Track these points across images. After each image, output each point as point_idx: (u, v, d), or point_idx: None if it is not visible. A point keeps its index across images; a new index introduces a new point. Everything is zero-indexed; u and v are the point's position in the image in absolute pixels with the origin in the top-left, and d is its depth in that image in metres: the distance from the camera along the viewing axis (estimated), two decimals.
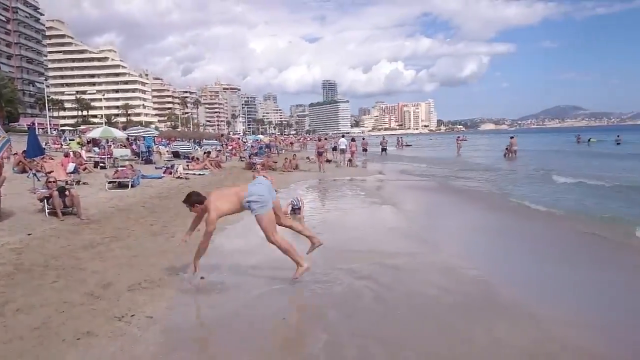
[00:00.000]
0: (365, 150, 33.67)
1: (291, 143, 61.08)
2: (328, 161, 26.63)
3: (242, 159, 28.37)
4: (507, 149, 31.72)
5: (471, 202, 12.49)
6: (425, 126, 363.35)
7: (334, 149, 28.39)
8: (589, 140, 50.67)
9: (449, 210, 11.36)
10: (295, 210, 9.60)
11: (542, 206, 10.73)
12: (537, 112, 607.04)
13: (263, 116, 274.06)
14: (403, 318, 4.35)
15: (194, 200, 5.35)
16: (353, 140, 28.19)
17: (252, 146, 38.52)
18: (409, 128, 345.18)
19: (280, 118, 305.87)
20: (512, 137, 33.08)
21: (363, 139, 39.24)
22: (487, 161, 28.56)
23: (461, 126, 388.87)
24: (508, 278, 5.69)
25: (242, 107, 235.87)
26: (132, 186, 13.58)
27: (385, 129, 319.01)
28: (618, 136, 48.64)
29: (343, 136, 30.75)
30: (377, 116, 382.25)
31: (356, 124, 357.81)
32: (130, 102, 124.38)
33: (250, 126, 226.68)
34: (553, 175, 17.46)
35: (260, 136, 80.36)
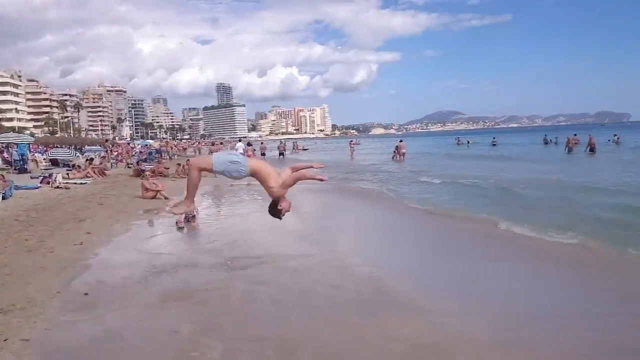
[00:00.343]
0: (263, 154, 33.67)
1: (184, 148, 59.01)
2: None
3: (130, 166, 26.83)
4: (395, 151, 33.62)
5: (363, 202, 13.09)
6: (321, 130, 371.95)
7: None
8: (468, 142, 55.47)
9: (343, 211, 11.79)
10: (189, 218, 9.32)
11: (420, 204, 11.61)
12: (421, 117, 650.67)
13: (153, 120, 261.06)
14: (299, 319, 4.44)
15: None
16: (249, 144, 28.04)
17: (140, 152, 36.52)
18: (305, 132, 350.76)
19: (172, 122, 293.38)
20: (400, 141, 35.07)
21: (262, 143, 39.20)
22: (378, 163, 30.01)
23: (354, 130, 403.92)
24: (397, 273, 6.05)
25: (129, 111, 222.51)
26: (3, 198, 12.22)
27: (283, 133, 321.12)
28: (494, 138, 54.24)
29: (240, 140, 30.45)
30: (274, 120, 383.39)
31: (253, 128, 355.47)
32: (1, 106, 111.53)
33: (139, 131, 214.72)
34: (433, 176, 18.88)
35: (150, 141, 76.59)
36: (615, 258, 6.47)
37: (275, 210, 4.59)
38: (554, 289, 5.41)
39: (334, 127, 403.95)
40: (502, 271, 6.15)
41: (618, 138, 40.50)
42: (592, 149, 29.81)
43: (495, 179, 17.00)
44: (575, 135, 34.57)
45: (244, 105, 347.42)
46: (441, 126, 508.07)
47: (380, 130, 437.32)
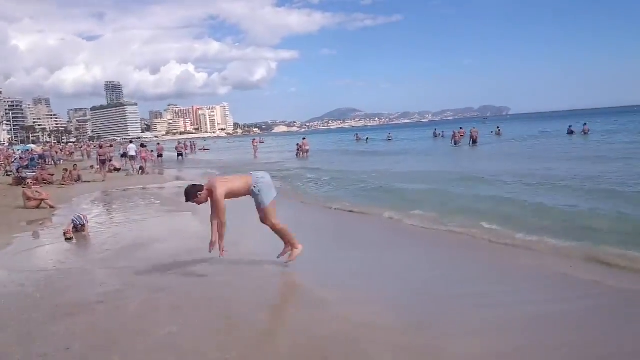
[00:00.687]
0: (160, 156, 32.19)
1: (70, 152, 54.55)
2: (117, 170, 24.66)
3: (9, 174, 24.26)
4: (299, 149, 34.03)
5: None
6: (223, 129, 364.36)
7: (123, 155, 26.40)
8: (366, 138, 57.93)
9: (246, 210, 11.65)
10: (78, 228, 8.63)
11: (323, 198, 11.90)
12: (322, 115, 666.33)
13: (34, 123, 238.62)
14: (201, 324, 4.29)
15: (194, 190, 5.40)
16: (143, 145, 26.66)
17: (21, 158, 33.06)
18: (206, 132, 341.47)
19: (57, 124, 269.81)
20: (303, 139, 35.73)
21: (158, 144, 37.44)
22: (282, 161, 30.12)
23: (257, 129, 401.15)
24: (299, 267, 6.08)
25: (7, 113, 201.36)
26: None
27: (181, 133, 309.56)
28: (389, 133, 57.45)
29: (132, 142, 28.77)
30: (171, 120, 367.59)
31: (148, 128, 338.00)
32: None
33: (18, 135, 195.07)
34: (332, 171, 19.46)
35: (32, 146, 69.99)
36: (491, 243, 7.06)
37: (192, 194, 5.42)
38: (447, 273, 5.81)
39: (236, 125, 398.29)
40: (396, 259, 6.46)
41: (500, 130, 44.53)
42: (474, 141, 32.48)
43: (390, 173, 17.94)
44: (461, 128, 37.46)
45: (136, 104, 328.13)
46: (341, 123, 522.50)
47: (283, 128, 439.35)
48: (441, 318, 4.33)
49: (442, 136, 46.97)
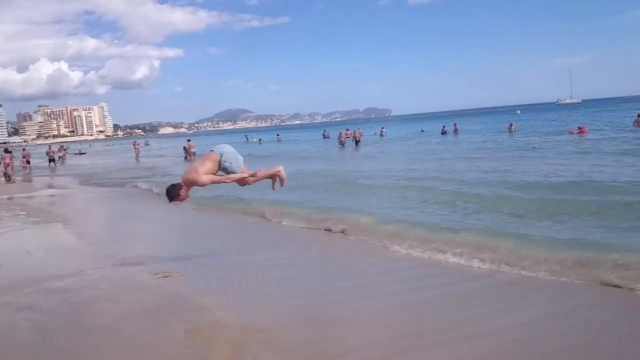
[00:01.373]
0: (28, 162, 29.15)
1: None
2: None
3: None
4: (186, 151, 32.91)
5: (144, 204, 12.53)
6: (101, 131, 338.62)
7: None
8: (259, 140, 57.90)
9: (122, 217, 11.08)
10: None
11: (205, 204, 11.70)
12: (212, 116, 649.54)
13: None
14: (67, 343, 4.00)
15: (176, 190, 5.45)
16: (8, 151, 23.93)
17: None
18: (82, 134, 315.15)
19: None
20: (189, 140, 34.44)
21: (24, 149, 33.76)
22: (165, 164, 28.91)
23: (140, 130, 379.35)
24: (178, 275, 5.92)
25: None
26: None
27: (54, 136, 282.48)
28: (278, 135, 58.12)
29: None
30: (42, 122, 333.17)
31: (15, 131, 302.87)
32: None
33: None
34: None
35: None
36: (361, 242, 7.46)
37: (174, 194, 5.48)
38: (323, 269, 6.08)
39: (116, 127, 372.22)
40: (274, 260, 6.56)
41: (384, 130, 46.90)
42: (357, 142, 33.86)
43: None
44: (347, 130, 38.95)
45: (0, 106, 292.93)
46: (232, 124, 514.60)
47: (170, 130, 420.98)
48: (322, 313, 4.51)
49: (329, 137, 48.44)
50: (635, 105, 72.59)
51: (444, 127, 41.61)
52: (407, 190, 11.90)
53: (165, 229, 9.66)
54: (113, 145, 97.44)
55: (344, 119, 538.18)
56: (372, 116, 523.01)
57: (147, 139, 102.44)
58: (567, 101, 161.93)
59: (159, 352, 3.76)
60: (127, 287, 5.42)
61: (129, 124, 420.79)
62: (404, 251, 6.56)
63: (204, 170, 5.38)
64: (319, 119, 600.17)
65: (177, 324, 4.28)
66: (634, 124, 29.99)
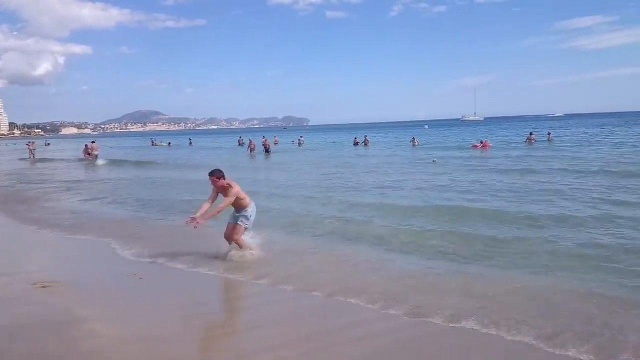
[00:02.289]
0: None
1: None
2: None
3: None
4: (88, 153, 31.46)
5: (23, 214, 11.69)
6: None
7: None
8: (168, 143, 55.87)
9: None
10: None
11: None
12: (120, 117, 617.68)
13: None
14: None
15: (220, 173, 6.38)
16: None
17: None
18: None
19: None
20: (93, 142, 33.25)
21: None
22: (67, 168, 27.04)
23: (39, 130, 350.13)
24: (62, 282, 5.65)
25: None
26: None
27: None
28: (190, 139, 57.04)
29: None
30: None
31: None
32: None
33: None
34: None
35: None
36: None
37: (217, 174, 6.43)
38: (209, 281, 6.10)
39: (13, 125, 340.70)
40: (161, 269, 6.45)
41: (302, 139, 47.22)
42: (267, 150, 33.85)
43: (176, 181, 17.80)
44: (264, 137, 38.87)
45: None
46: (142, 126, 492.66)
47: (73, 130, 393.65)
48: (202, 324, 4.54)
49: (243, 144, 48.01)
50: (529, 124, 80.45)
51: (355, 138, 42.94)
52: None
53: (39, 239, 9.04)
54: (7, 145, 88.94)
55: (262, 126, 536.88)
56: (291, 124, 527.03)
57: (47, 140, 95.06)
58: (471, 118, 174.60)
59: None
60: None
61: (28, 122, 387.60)
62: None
63: (242, 196, 6.41)
64: (236, 125, 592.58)
65: (51, 336, 4.10)
66: (525, 141, 33.54)
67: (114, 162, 29.78)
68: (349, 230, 8.39)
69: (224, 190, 6.35)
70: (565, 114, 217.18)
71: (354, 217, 9.49)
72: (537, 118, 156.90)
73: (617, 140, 32.15)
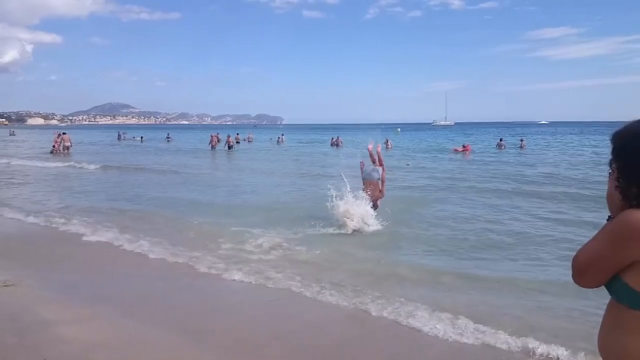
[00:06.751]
0: None
1: None
2: None
3: None
4: (58, 145, 31.02)
5: None
6: None
7: None
8: (141, 138, 54.78)
9: None
10: None
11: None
12: (88, 109, 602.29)
13: None
14: None
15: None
16: None
17: None
18: None
19: None
20: (64, 133, 33.31)
21: None
22: (32, 160, 26.10)
23: (4, 119, 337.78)
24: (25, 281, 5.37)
25: None
26: None
27: None
28: (168, 134, 57.31)
29: None
30: None
31: None
32: None
33: None
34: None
35: None
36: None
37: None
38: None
39: None
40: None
41: (283, 137, 46.77)
42: (229, 147, 33.99)
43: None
44: (237, 134, 38.79)
45: None
46: (111, 119, 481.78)
47: (40, 121, 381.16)
48: (169, 330, 4.36)
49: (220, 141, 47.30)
50: (499, 130, 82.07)
51: (332, 138, 43.06)
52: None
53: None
54: None
55: (234, 122, 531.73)
56: (264, 122, 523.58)
57: (12, 129, 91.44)
58: (442, 123, 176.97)
59: None
60: None
61: None
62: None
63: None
64: (208, 121, 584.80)
65: (11, 339, 3.86)
66: (496, 146, 34.31)
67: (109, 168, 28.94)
68: None
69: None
70: (550, 122, 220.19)
71: None
72: (523, 125, 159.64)
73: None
